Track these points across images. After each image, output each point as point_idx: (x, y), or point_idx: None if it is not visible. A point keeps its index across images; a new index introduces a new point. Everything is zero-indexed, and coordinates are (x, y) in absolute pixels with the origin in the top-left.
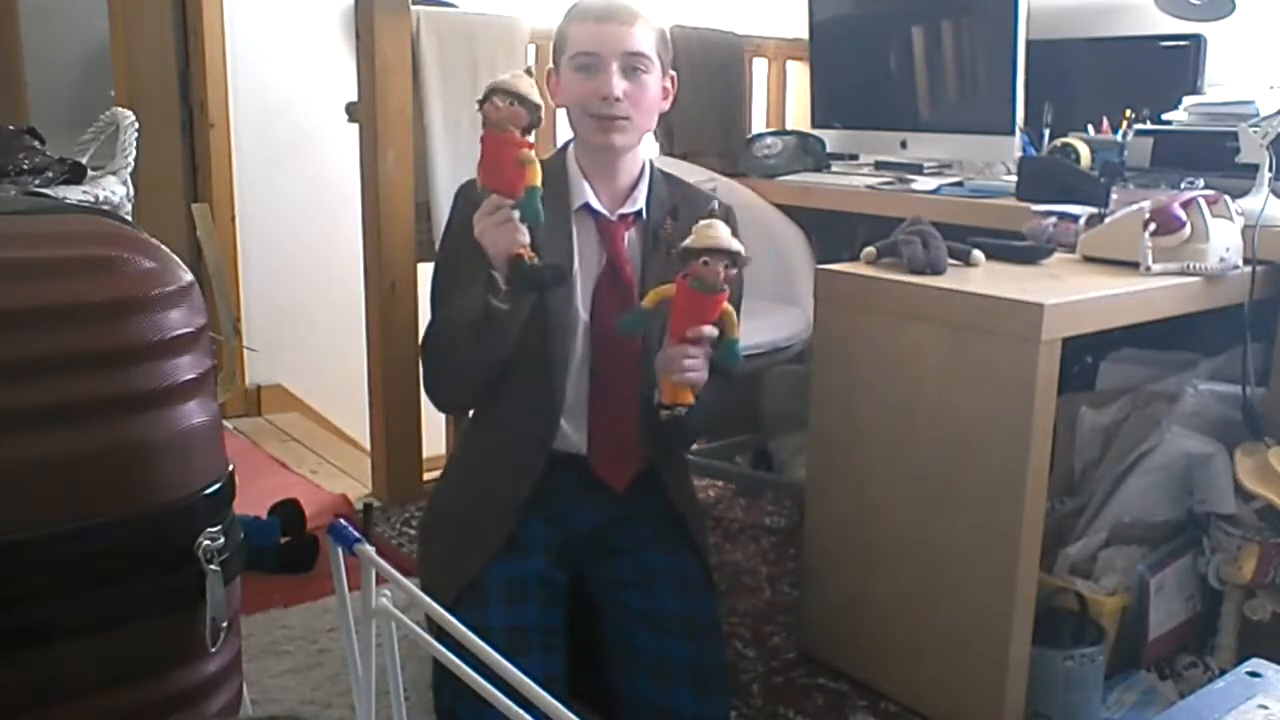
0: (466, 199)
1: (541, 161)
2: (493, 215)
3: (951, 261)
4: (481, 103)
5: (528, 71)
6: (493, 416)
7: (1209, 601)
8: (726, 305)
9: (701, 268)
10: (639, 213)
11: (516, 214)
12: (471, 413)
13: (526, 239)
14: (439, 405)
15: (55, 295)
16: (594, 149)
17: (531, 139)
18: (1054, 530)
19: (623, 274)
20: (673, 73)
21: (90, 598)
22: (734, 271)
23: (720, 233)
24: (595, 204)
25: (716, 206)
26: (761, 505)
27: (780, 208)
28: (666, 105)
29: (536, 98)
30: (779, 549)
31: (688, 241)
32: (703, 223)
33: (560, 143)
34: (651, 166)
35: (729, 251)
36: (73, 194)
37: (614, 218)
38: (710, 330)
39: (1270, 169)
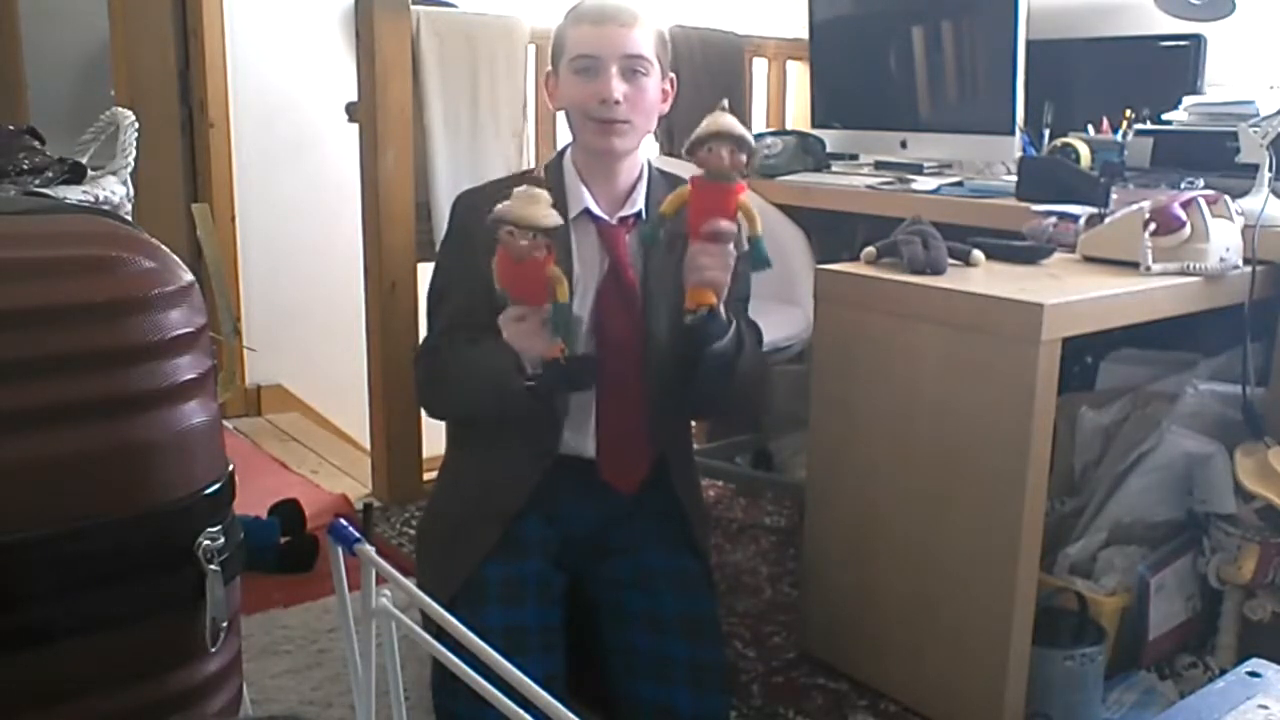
0: (464, 211)
1: (540, 166)
2: (521, 324)
3: (951, 261)
4: (494, 224)
5: (535, 182)
6: (494, 423)
7: (1209, 601)
8: (743, 197)
9: (707, 155)
10: (638, 215)
11: (547, 325)
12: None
13: (560, 345)
14: (433, 416)
15: (55, 295)
16: (593, 152)
17: (551, 254)
18: (1054, 530)
19: (625, 277)
20: (672, 75)
21: (90, 598)
22: (741, 159)
23: (723, 118)
24: (595, 209)
25: (727, 102)
26: (761, 505)
27: (780, 208)
28: (666, 107)
29: (555, 220)
30: (779, 549)
31: (695, 133)
32: (710, 115)
33: (559, 144)
34: (650, 167)
35: (732, 135)
36: (73, 194)
37: (614, 221)
38: (727, 224)
39: (1270, 169)
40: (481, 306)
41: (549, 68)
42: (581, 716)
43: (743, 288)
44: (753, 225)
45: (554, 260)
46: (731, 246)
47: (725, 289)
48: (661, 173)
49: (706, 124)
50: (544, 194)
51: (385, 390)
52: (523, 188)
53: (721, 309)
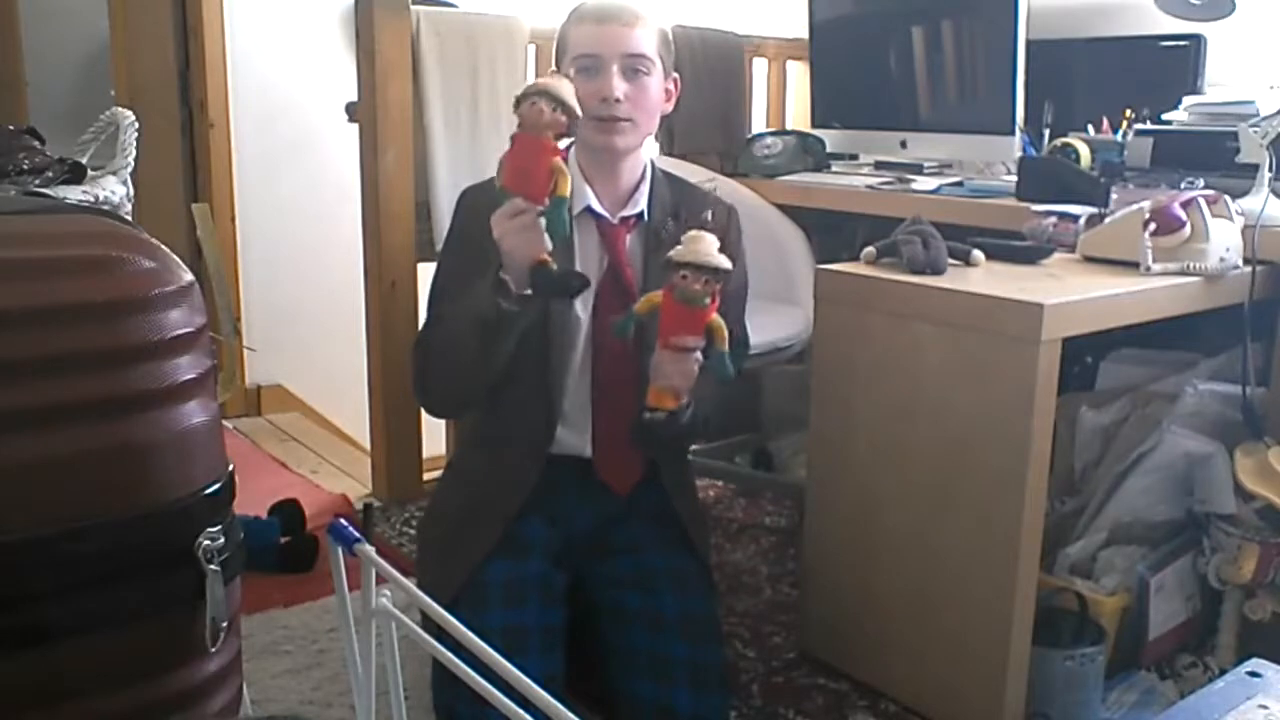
0: (471, 205)
1: None
2: (515, 219)
3: (951, 261)
4: (519, 100)
5: (566, 75)
6: (492, 420)
7: (1209, 601)
8: (714, 318)
9: (681, 281)
10: (640, 215)
11: (541, 221)
12: (472, 415)
13: (549, 245)
14: (429, 407)
15: (55, 295)
16: (595, 151)
17: (562, 147)
18: (1054, 530)
19: (624, 277)
20: (675, 74)
21: (90, 598)
22: (716, 286)
23: (702, 247)
24: (597, 207)
25: (709, 218)
26: (761, 505)
27: (780, 208)
28: (669, 107)
29: (577, 105)
30: (779, 549)
31: (672, 253)
32: (690, 234)
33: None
34: (653, 167)
35: (708, 268)
36: (73, 194)
37: (615, 220)
38: (694, 341)
39: (1270, 169)
40: None
41: (552, 67)
42: (581, 716)
43: (735, 307)
44: (719, 342)
45: (563, 157)
46: (698, 354)
47: (686, 394)
48: (665, 174)
49: (686, 249)
50: (571, 86)
51: (385, 390)
52: (554, 73)
53: (683, 411)
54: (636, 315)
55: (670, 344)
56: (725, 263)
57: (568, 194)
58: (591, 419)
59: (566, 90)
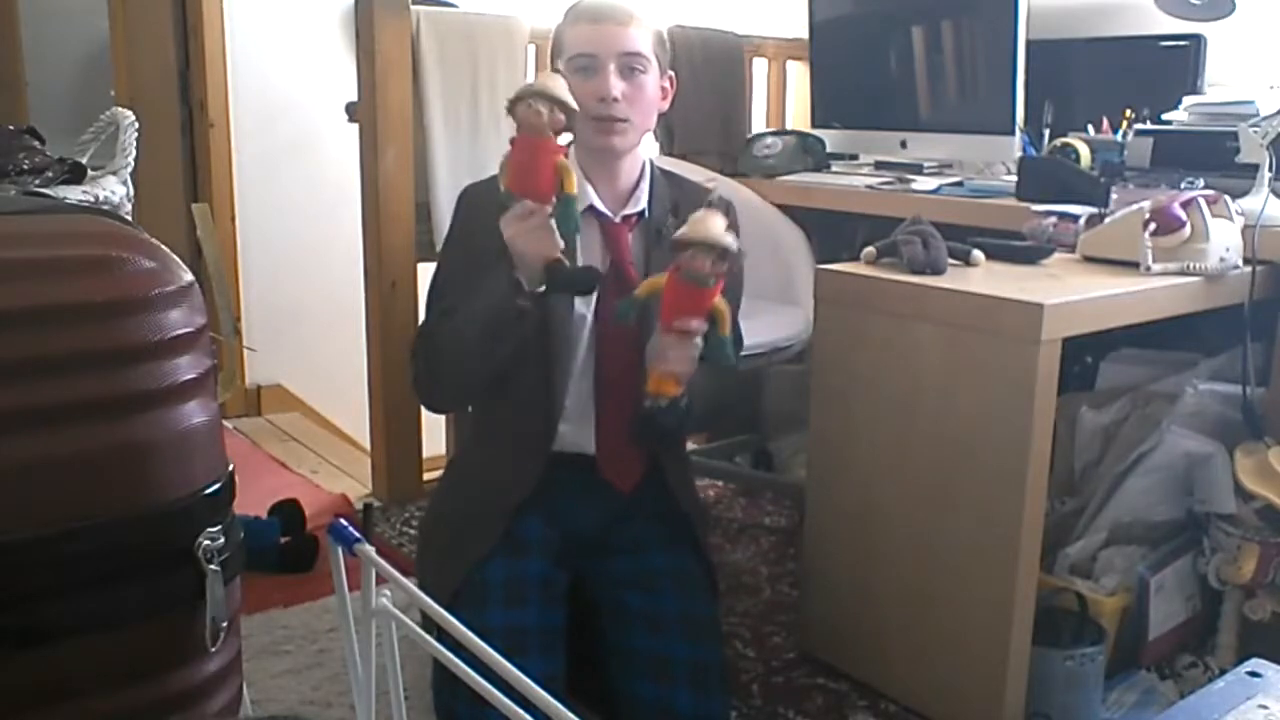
0: (472, 204)
1: None
2: (526, 220)
3: (951, 261)
4: (513, 103)
5: (556, 71)
6: (493, 418)
7: (1209, 601)
8: (718, 301)
9: (689, 260)
10: (641, 213)
11: (551, 220)
12: (473, 414)
13: (561, 244)
14: (430, 402)
15: (55, 295)
16: (594, 151)
17: (563, 145)
18: (1054, 530)
19: (628, 275)
20: (671, 73)
21: (90, 598)
22: (723, 267)
23: (710, 227)
24: (599, 206)
25: (716, 199)
26: (761, 505)
27: (780, 208)
28: (665, 105)
29: (574, 102)
30: (779, 549)
31: (679, 232)
32: (697, 214)
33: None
34: (651, 166)
35: (717, 247)
36: (73, 194)
37: (617, 219)
38: (697, 324)
39: (1270, 169)
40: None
41: (548, 68)
42: (581, 716)
43: (733, 294)
44: (722, 327)
45: (565, 154)
46: (699, 340)
47: (686, 380)
48: (664, 172)
49: (694, 229)
50: (565, 83)
51: (385, 390)
52: (545, 72)
53: (681, 399)
54: (639, 299)
55: (673, 327)
56: (732, 242)
57: (575, 190)
58: (595, 417)
59: (561, 88)
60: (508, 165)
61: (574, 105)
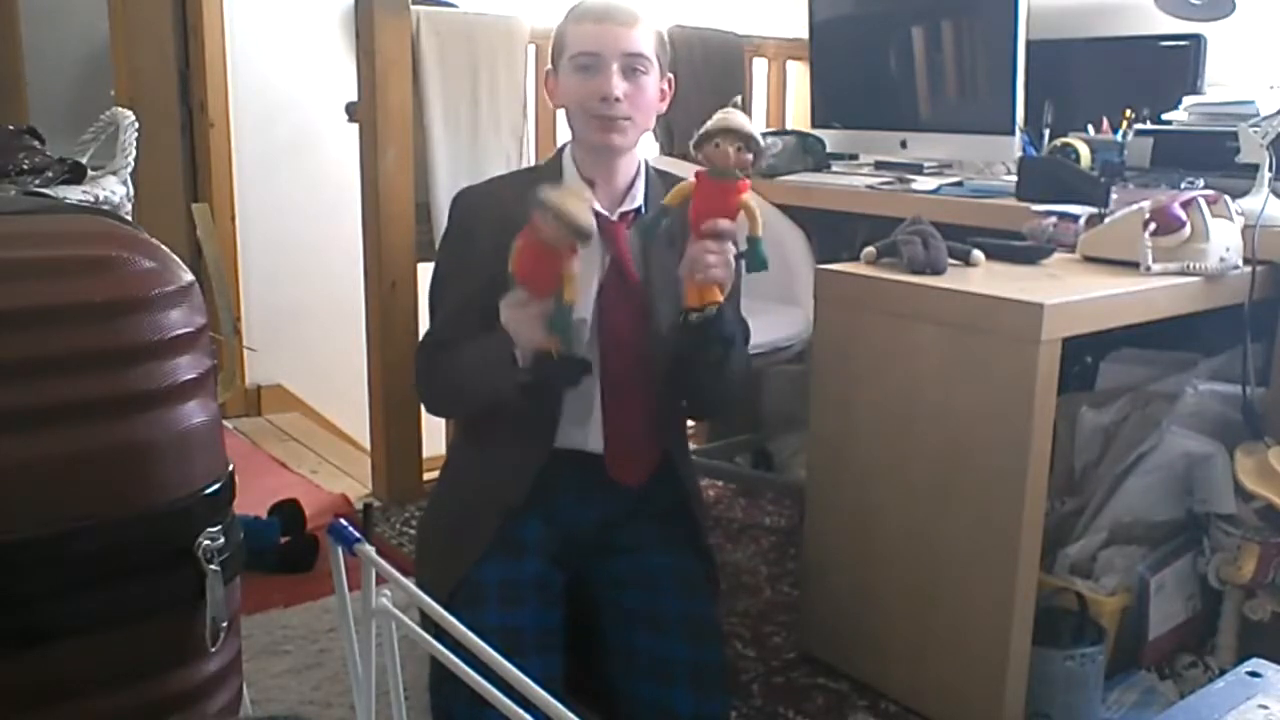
0: (464, 208)
1: (540, 164)
2: (523, 309)
3: (951, 261)
4: (539, 203)
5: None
6: (491, 417)
7: (1209, 601)
8: (746, 197)
9: (714, 150)
10: (637, 210)
11: (547, 318)
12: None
13: (555, 337)
14: (430, 411)
15: (55, 295)
16: (593, 149)
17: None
18: (1054, 530)
19: (627, 272)
20: (670, 75)
21: (90, 598)
22: (747, 157)
23: (733, 116)
24: (597, 205)
25: (736, 101)
26: (761, 505)
27: (780, 208)
28: (664, 107)
29: (590, 228)
30: (779, 549)
31: (704, 127)
32: (720, 112)
33: (560, 144)
34: (646, 165)
35: (740, 133)
36: (73, 194)
37: (614, 217)
38: (728, 225)
39: (1270, 169)
40: (480, 301)
41: (548, 66)
42: (581, 716)
43: (735, 284)
44: (753, 225)
45: (574, 260)
46: (731, 244)
47: (729, 286)
48: (658, 172)
49: (716, 119)
50: (589, 197)
51: (385, 390)
52: (573, 186)
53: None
54: (667, 207)
55: (705, 231)
56: (756, 130)
57: (575, 300)
58: (601, 416)
59: (582, 212)
60: (517, 252)
61: (589, 234)
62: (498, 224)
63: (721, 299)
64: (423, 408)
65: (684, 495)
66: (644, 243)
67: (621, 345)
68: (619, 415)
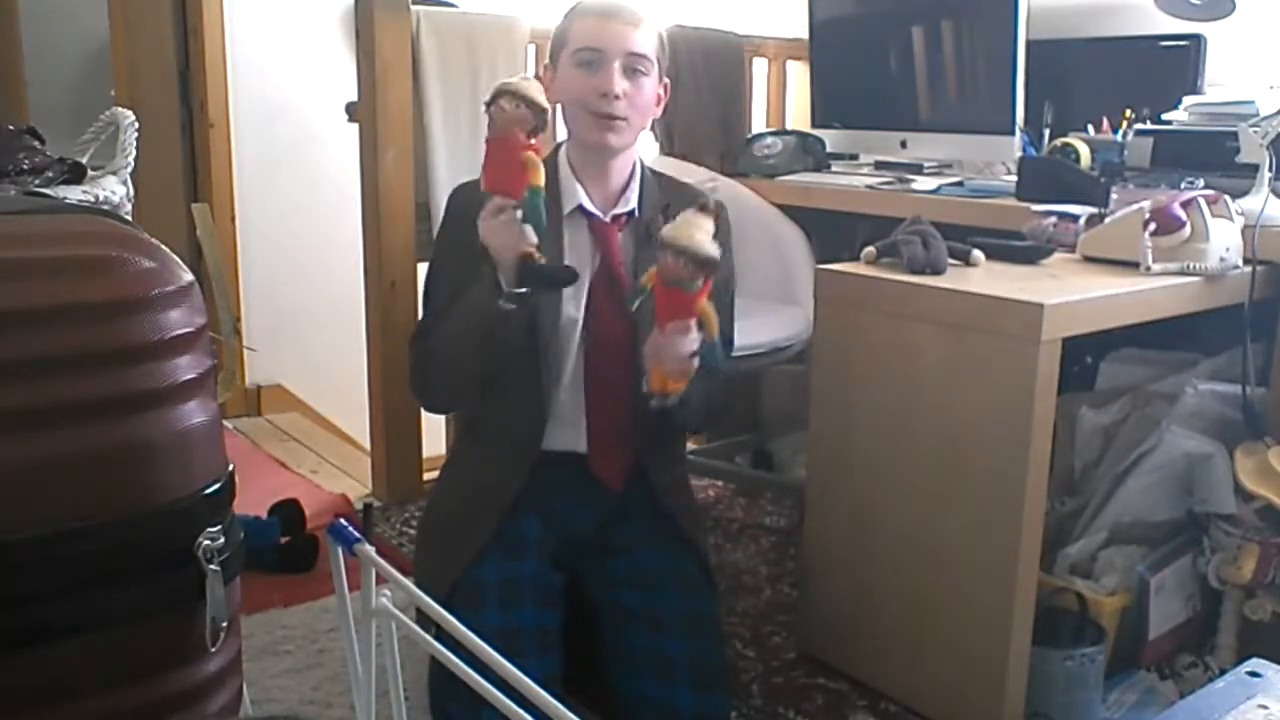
0: (460, 202)
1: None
2: (497, 217)
3: (951, 261)
4: (488, 104)
5: (536, 77)
6: (484, 416)
7: (1209, 601)
8: (704, 304)
9: (670, 262)
10: (631, 213)
11: (520, 214)
12: (466, 413)
13: (534, 239)
14: (427, 403)
15: (55, 295)
16: (589, 147)
17: (535, 142)
18: (1054, 530)
19: (617, 274)
20: (666, 79)
21: (90, 598)
22: (704, 274)
23: (691, 233)
24: (589, 205)
25: (707, 202)
26: (761, 505)
27: (780, 208)
28: (659, 112)
29: (544, 101)
30: (779, 549)
31: (664, 231)
32: (686, 215)
33: (558, 142)
34: (642, 166)
35: (698, 257)
36: (73, 194)
37: (607, 219)
38: (689, 327)
39: (1270, 169)
40: None
41: (546, 60)
42: (581, 716)
43: (722, 298)
44: (710, 331)
45: (538, 150)
46: (694, 339)
47: (689, 375)
48: (655, 173)
49: (675, 232)
50: (539, 85)
51: (385, 390)
52: (529, 77)
53: (688, 395)
54: (642, 287)
55: (670, 330)
56: (714, 251)
57: (541, 183)
58: (586, 417)
59: (530, 87)
60: (483, 168)
61: (544, 105)
62: None
63: (680, 389)
64: (420, 403)
65: (664, 496)
66: (637, 247)
67: (608, 346)
68: (603, 413)
